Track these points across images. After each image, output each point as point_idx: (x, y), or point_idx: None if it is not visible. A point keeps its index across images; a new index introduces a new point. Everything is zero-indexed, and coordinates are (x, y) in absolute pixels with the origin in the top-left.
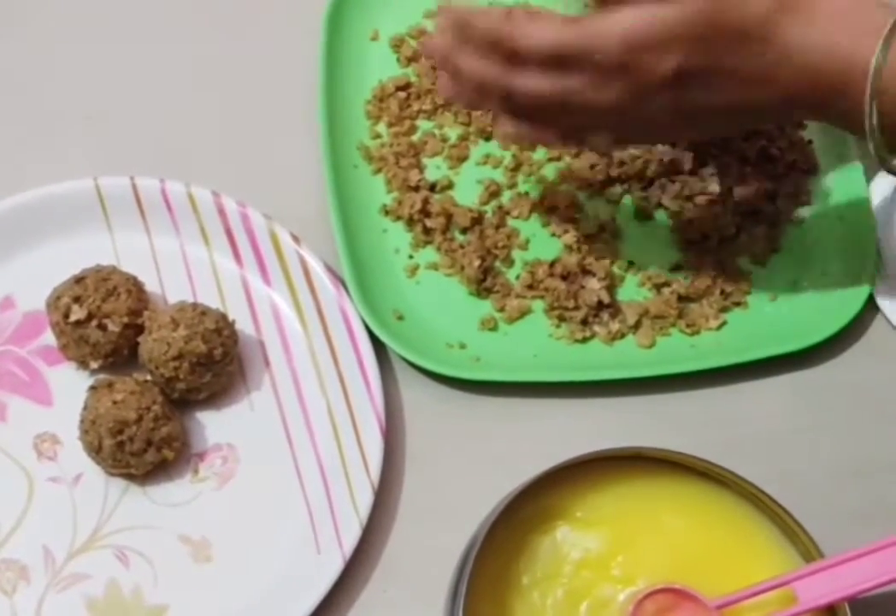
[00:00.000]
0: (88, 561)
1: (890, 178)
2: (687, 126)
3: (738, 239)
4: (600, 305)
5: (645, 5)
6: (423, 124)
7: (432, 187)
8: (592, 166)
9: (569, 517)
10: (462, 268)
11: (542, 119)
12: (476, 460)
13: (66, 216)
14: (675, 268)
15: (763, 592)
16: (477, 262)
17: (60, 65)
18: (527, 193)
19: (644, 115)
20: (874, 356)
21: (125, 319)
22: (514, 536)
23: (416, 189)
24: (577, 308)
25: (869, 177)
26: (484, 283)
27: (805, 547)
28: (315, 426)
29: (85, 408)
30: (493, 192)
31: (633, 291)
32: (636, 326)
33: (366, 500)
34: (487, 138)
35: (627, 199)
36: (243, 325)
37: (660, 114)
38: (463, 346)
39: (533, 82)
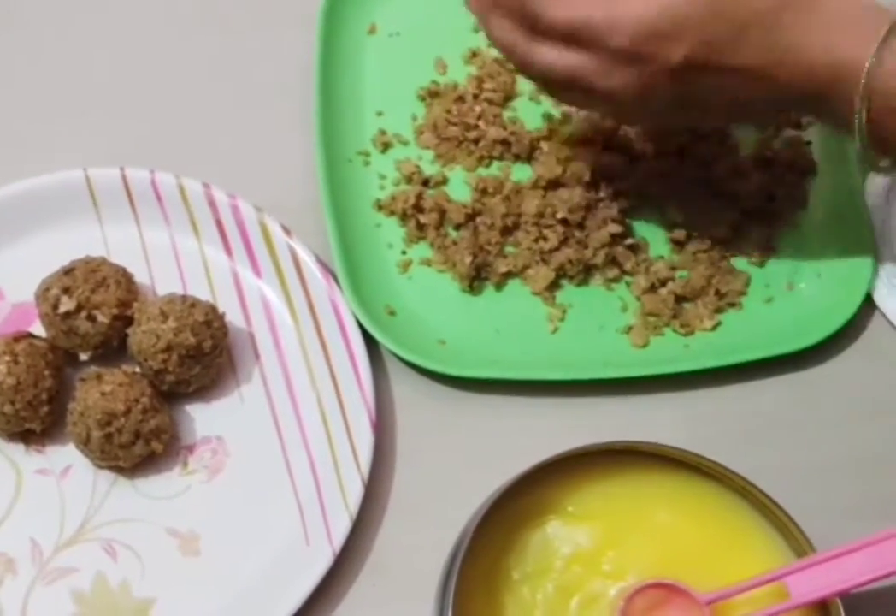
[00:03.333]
0: (76, 554)
1: (887, 178)
2: (685, 115)
3: (734, 239)
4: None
5: None
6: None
7: (426, 182)
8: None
9: (560, 512)
10: (454, 264)
11: (552, 88)
12: (467, 455)
13: (56, 207)
14: (671, 267)
15: (755, 587)
16: (469, 259)
17: (51, 55)
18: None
19: (646, 102)
20: (868, 356)
21: (114, 311)
22: (504, 531)
23: (410, 180)
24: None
25: (866, 178)
26: (476, 279)
27: (797, 542)
28: (305, 419)
29: (73, 399)
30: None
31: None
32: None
33: (356, 493)
34: None
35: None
36: (233, 317)
37: (661, 103)
38: (454, 343)
39: (548, 55)
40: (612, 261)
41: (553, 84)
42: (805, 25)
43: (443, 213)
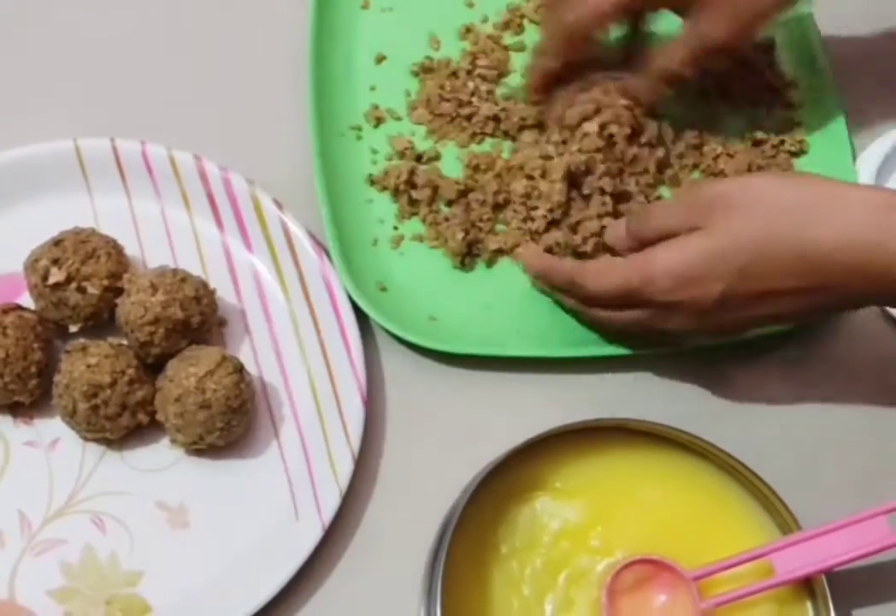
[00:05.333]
0: (64, 526)
1: (876, 160)
2: (746, 326)
3: None
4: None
5: (688, 239)
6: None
7: (419, 158)
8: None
9: (549, 487)
10: (446, 240)
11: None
12: (457, 431)
13: (45, 177)
14: None
15: (740, 564)
16: (461, 235)
17: (40, 25)
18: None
19: (706, 324)
20: (857, 337)
21: (105, 282)
22: (493, 506)
23: (403, 155)
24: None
25: (856, 158)
26: (468, 256)
27: (783, 519)
28: (295, 394)
29: (59, 372)
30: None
31: None
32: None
33: (346, 468)
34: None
35: None
36: (224, 291)
37: (719, 322)
38: (445, 319)
39: (607, 316)
40: (604, 247)
41: (627, 331)
42: (837, 232)
43: (435, 189)
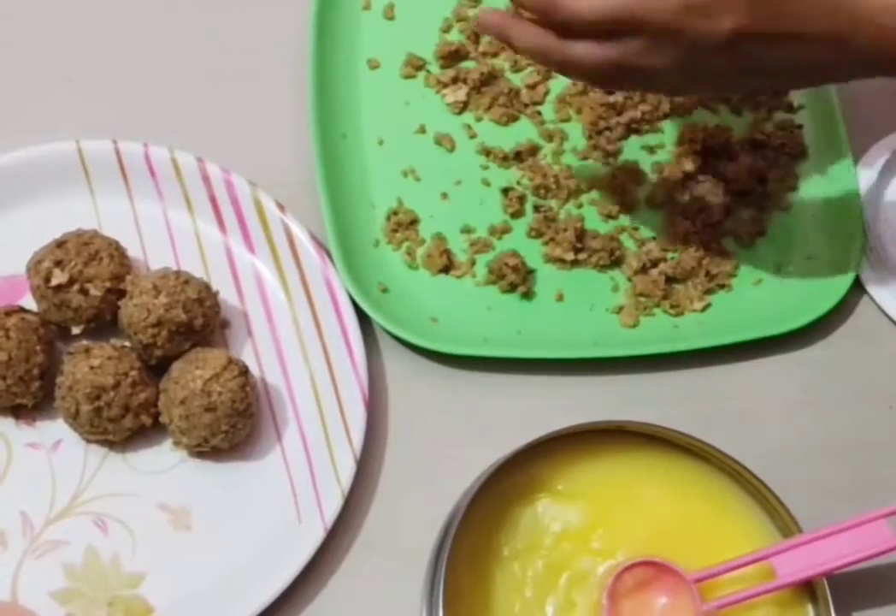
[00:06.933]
0: (67, 527)
1: (877, 164)
2: (749, 82)
3: (725, 221)
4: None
5: None
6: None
7: None
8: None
9: (550, 490)
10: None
11: (600, 82)
12: (459, 433)
13: (48, 179)
14: (663, 248)
15: (742, 567)
16: None
17: (42, 26)
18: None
19: (700, 74)
20: (858, 339)
21: (107, 284)
22: (495, 508)
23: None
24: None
25: (857, 162)
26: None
27: (784, 522)
28: (298, 396)
29: (61, 373)
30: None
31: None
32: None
33: (348, 470)
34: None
35: None
36: (226, 292)
37: (717, 72)
38: (447, 321)
39: (586, 52)
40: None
41: (600, 77)
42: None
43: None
